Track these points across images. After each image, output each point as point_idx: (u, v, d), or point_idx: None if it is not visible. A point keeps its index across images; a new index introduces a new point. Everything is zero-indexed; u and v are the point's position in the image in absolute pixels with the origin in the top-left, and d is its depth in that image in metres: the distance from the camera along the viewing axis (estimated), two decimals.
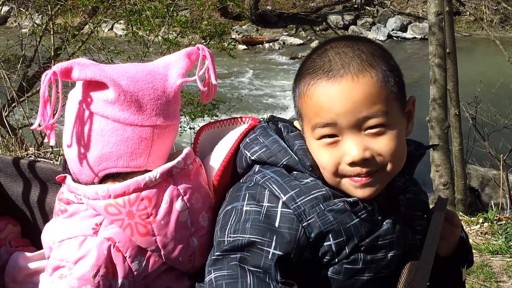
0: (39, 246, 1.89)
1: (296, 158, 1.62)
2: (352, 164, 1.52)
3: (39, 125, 1.62)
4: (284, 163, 1.62)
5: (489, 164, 9.88)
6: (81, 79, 1.61)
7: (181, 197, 1.65)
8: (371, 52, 1.56)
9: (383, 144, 1.52)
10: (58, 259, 1.63)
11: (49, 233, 1.74)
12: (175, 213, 1.63)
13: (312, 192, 1.56)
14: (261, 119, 1.81)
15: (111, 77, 1.60)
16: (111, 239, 1.61)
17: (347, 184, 1.55)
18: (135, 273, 1.62)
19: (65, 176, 1.76)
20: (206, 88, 1.78)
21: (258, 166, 1.66)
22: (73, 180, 1.72)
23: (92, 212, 1.65)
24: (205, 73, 1.76)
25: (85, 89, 1.64)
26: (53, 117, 1.63)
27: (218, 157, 1.77)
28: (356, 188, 1.55)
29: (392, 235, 1.61)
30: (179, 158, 1.68)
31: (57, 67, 1.59)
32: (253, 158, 1.66)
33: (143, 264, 1.64)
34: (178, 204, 1.64)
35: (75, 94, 1.65)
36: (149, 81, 1.66)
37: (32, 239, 2.16)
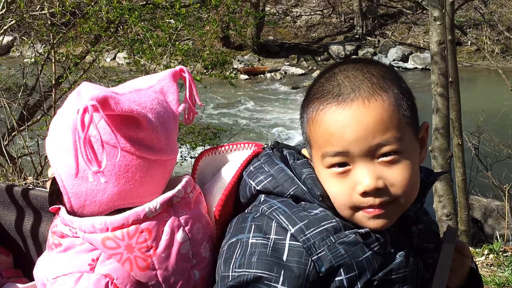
0: (31, 277, 1.81)
1: (304, 188, 1.54)
2: (365, 194, 1.44)
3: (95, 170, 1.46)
4: (291, 193, 1.54)
5: (492, 194, 9.80)
6: (115, 113, 1.48)
7: (182, 228, 1.57)
8: (382, 75, 1.50)
9: (396, 174, 1.45)
10: None
11: (42, 269, 1.65)
12: (176, 245, 1.56)
13: (322, 223, 1.48)
14: (265, 146, 1.73)
15: (142, 112, 1.51)
16: (108, 276, 1.53)
17: (360, 216, 1.48)
18: None
19: (59, 208, 1.67)
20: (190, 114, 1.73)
21: (263, 195, 1.58)
22: (67, 212, 1.63)
23: (88, 247, 1.56)
24: (187, 94, 1.71)
25: (107, 121, 1.48)
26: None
27: (220, 185, 1.70)
28: (368, 219, 1.47)
29: (405, 269, 1.53)
30: (179, 187, 1.61)
31: (91, 98, 1.43)
32: (258, 188, 1.58)
33: None
34: (179, 236, 1.56)
35: (72, 122, 1.51)
36: (163, 112, 1.60)
37: (24, 270, 2.08)
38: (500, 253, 5.64)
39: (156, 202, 1.55)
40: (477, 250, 5.85)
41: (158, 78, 1.69)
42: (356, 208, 1.48)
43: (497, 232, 8.15)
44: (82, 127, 1.43)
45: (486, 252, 5.69)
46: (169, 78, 1.69)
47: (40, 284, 1.65)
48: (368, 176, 1.44)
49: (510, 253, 5.64)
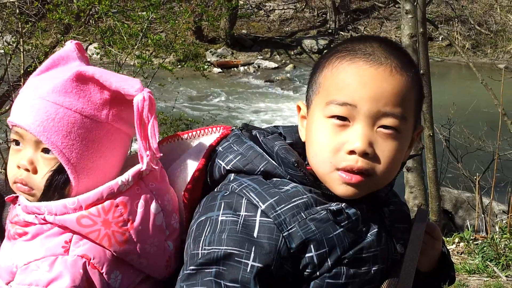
0: None
1: (275, 163, 1.53)
2: (351, 152, 1.44)
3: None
4: (262, 169, 1.53)
5: (463, 186, 9.90)
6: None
7: (154, 199, 1.58)
8: (408, 55, 1.55)
9: (386, 149, 1.47)
10: (25, 284, 1.50)
11: (6, 258, 1.59)
12: (151, 217, 1.56)
13: (293, 200, 1.47)
14: (234, 128, 1.71)
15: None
16: (85, 256, 1.51)
17: (334, 177, 1.47)
18: None
19: (16, 197, 1.62)
20: None
21: (233, 174, 1.57)
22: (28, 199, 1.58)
23: (58, 230, 1.53)
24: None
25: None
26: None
27: (185, 168, 1.67)
28: (340, 184, 1.47)
29: (376, 248, 1.53)
30: (146, 160, 1.59)
31: (139, 84, 1.56)
32: (228, 168, 1.57)
33: (119, 278, 1.55)
34: (153, 207, 1.57)
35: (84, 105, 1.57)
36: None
37: None
38: (471, 241, 5.71)
39: (127, 175, 1.56)
40: (447, 239, 5.92)
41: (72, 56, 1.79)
42: (334, 167, 1.48)
43: (467, 221, 8.26)
44: (151, 114, 1.54)
45: (456, 240, 5.77)
46: (82, 54, 1.78)
47: (6, 273, 1.58)
48: (361, 139, 1.45)
49: (480, 242, 5.71)
